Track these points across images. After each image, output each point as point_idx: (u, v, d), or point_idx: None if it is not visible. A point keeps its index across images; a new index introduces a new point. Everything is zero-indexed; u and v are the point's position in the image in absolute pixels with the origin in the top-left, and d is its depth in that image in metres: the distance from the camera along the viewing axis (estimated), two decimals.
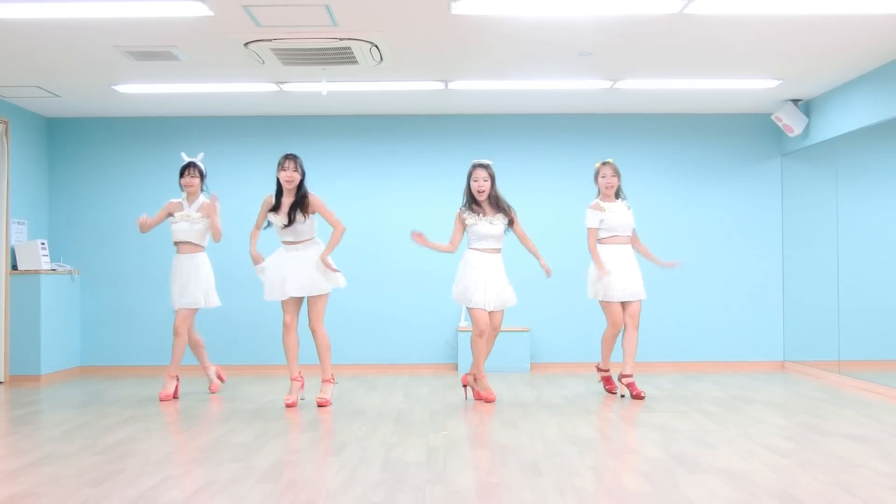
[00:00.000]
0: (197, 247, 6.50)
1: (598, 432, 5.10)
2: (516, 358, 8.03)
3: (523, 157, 8.32)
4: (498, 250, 6.19)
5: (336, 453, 4.53)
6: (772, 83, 7.09)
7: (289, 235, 6.04)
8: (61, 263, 8.09)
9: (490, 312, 6.11)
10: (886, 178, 7.36)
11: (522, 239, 6.27)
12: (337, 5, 5.06)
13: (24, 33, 5.62)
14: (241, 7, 5.07)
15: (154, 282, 8.11)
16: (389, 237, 8.25)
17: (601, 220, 6.35)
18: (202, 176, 6.55)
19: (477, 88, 7.23)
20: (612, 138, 8.29)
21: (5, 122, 7.61)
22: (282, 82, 6.98)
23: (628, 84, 7.09)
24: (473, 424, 5.40)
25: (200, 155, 6.63)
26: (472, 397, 6.36)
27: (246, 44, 5.78)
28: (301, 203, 5.99)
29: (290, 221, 5.96)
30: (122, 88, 7.15)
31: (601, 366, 6.63)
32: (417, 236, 6.11)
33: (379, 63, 6.27)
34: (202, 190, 6.57)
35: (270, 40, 5.69)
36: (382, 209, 8.33)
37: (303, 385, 6.21)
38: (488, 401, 6.19)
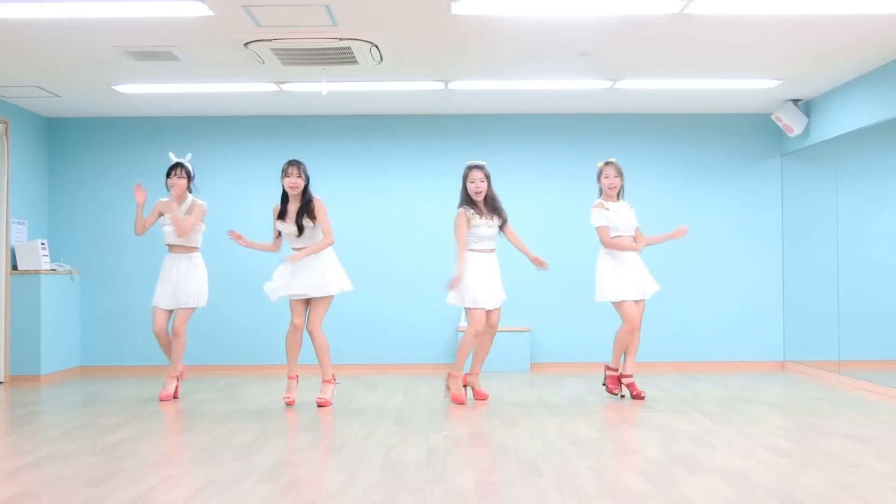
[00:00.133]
0: (190, 248, 6.47)
1: (598, 432, 5.10)
2: (516, 358, 8.03)
3: (523, 157, 8.31)
4: (493, 250, 6.23)
5: (336, 453, 4.53)
6: (772, 83, 7.09)
7: (299, 242, 6.04)
8: (61, 263, 8.08)
9: (488, 311, 6.13)
10: (886, 178, 7.36)
11: (513, 239, 6.27)
12: (337, 5, 5.06)
13: (24, 33, 5.61)
14: (241, 7, 5.07)
15: (154, 282, 8.06)
16: (389, 237, 8.27)
17: (606, 219, 6.30)
18: (189, 177, 6.44)
19: (477, 88, 7.23)
20: (612, 138, 8.29)
21: (5, 122, 7.61)
22: (282, 82, 6.98)
23: (628, 84, 7.09)
24: (473, 424, 5.41)
25: (188, 155, 6.52)
26: (473, 397, 6.36)
27: (246, 44, 5.78)
28: (307, 208, 5.99)
29: (301, 231, 5.97)
30: (122, 88, 7.15)
31: (611, 365, 6.46)
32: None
33: (379, 63, 6.27)
34: (190, 191, 6.48)
35: (270, 40, 5.69)
36: (382, 209, 8.32)
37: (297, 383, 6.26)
38: (456, 401, 6.17)
